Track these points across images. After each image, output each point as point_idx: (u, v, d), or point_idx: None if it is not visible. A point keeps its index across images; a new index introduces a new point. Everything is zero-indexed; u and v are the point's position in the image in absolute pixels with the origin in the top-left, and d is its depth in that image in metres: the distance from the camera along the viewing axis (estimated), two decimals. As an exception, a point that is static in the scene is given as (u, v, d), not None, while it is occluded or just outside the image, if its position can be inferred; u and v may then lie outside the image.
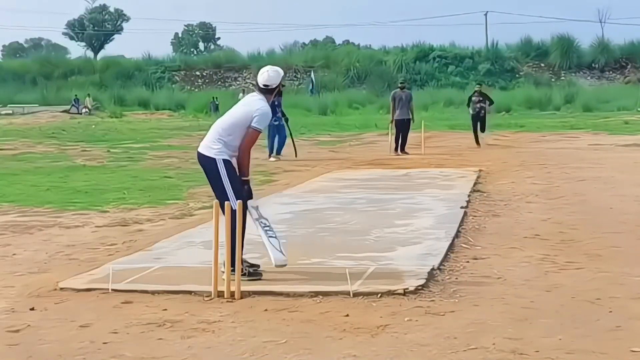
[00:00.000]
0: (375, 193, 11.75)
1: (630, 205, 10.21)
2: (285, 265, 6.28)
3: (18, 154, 20.61)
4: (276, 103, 17.28)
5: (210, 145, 6.49)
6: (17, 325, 5.29)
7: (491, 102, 22.95)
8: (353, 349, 4.68)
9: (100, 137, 26.99)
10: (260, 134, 6.55)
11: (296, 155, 18.33)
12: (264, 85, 6.61)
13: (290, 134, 18.86)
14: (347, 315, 5.34)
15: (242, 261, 6.19)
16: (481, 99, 22.52)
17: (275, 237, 6.35)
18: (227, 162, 6.40)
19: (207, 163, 6.48)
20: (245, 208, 6.27)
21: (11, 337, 5.06)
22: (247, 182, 6.52)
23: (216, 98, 51.51)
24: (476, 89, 23.52)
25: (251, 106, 6.53)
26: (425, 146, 19.83)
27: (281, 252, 6.28)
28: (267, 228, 6.38)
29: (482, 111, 22.29)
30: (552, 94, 48.04)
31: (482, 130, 22.23)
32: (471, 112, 22.54)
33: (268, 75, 6.63)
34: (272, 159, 18.39)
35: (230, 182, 6.34)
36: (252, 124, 6.42)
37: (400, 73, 55.39)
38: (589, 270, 6.64)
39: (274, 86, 6.63)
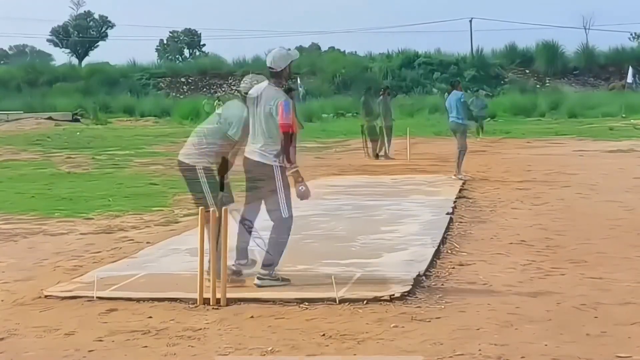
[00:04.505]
0: (361, 199, 11.75)
1: (615, 211, 10.25)
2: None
3: (2, 161, 20.48)
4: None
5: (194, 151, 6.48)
6: (1, 333, 5.26)
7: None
8: (339, 356, 4.68)
9: (85, 144, 26.83)
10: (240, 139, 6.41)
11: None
12: (269, 67, 6.29)
13: None
14: (333, 322, 5.34)
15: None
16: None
17: (261, 238, 6.41)
18: (207, 170, 6.40)
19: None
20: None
21: (-5, 345, 5.03)
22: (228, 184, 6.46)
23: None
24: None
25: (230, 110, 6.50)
26: (410, 152, 19.83)
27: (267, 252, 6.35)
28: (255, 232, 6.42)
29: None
30: (537, 101, 48.14)
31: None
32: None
33: (272, 57, 6.29)
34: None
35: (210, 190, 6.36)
36: (229, 132, 6.37)
37: (386, 79, 55.35)
38: (575, 276, 6.66)
39: (279, 69, 6.25)
